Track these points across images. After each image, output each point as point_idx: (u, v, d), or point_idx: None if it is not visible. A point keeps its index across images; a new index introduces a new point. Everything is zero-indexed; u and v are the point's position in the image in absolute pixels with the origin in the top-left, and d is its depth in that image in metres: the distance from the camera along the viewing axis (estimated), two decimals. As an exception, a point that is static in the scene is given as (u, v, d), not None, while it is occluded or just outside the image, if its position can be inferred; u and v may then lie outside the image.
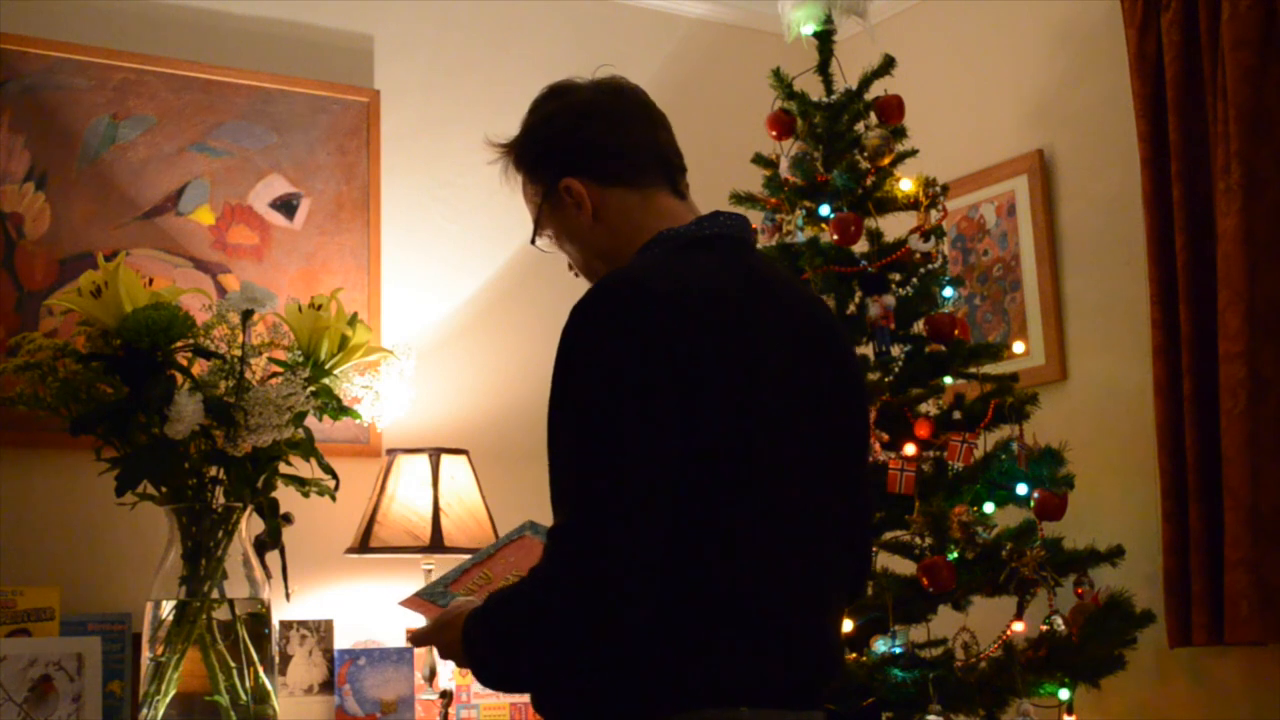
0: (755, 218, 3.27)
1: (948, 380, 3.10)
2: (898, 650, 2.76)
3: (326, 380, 2.63)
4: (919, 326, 3.09)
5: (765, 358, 1.64)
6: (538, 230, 1.87)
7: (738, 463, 1.59)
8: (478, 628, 1.66)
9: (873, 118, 3.22)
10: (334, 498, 2.67)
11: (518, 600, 1.62)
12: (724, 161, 3.43)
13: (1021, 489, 2.97)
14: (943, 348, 3.07)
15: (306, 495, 2.64)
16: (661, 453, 1.54)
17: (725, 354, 1.60)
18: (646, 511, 1.53)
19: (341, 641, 3.28)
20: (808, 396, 1.69)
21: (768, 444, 1.62)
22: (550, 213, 1.83)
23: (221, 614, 2.48)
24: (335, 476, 2.65)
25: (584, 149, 1.81)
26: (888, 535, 2.99)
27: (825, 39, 3.30)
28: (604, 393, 1.56)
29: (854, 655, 2.83)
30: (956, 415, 3.02)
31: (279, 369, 2.58)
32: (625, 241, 1.78)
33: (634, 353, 1.56)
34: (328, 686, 3.21)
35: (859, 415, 1.83)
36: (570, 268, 1.91)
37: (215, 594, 2.48)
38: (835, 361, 1.78)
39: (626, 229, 1.79)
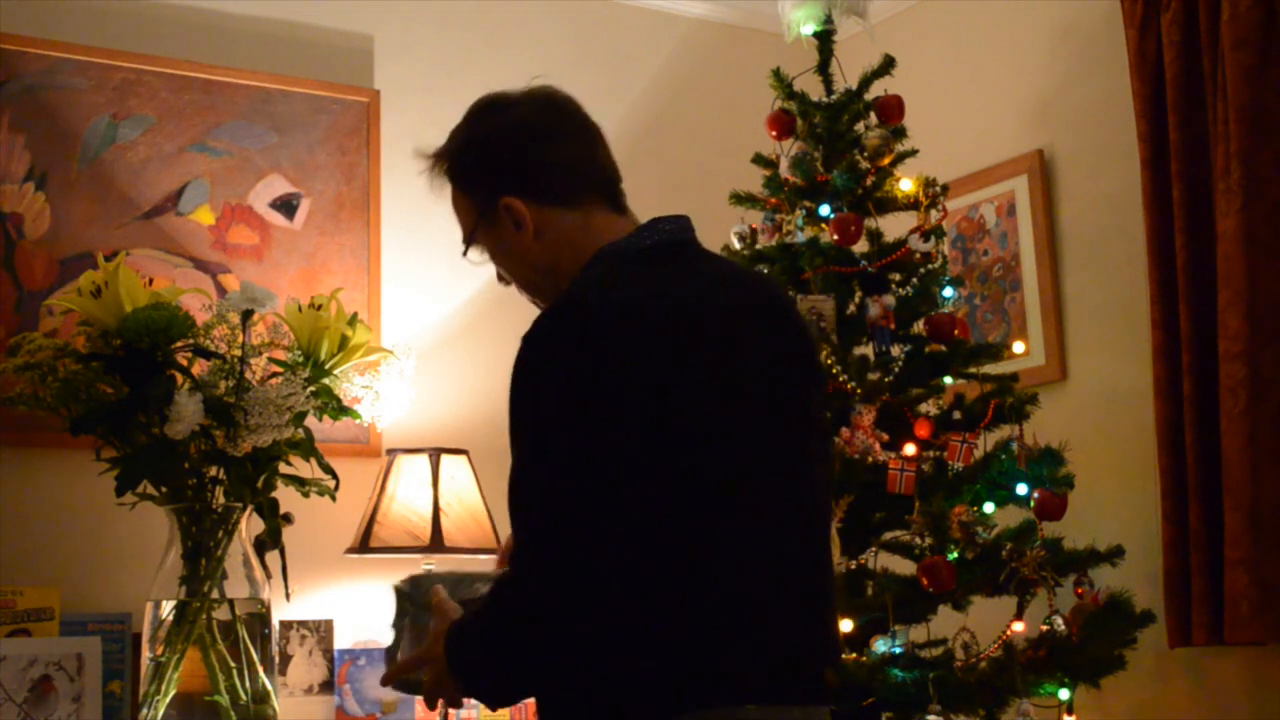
0: (755, 218, 3.28)
1: (948, 380, 3.09)
2: (898, 650, 2.76)
3: (326, 380, 2.63)
4: (919, 326, 3.09)
5: (722, 357, 1.66)
6: (470, 243, 1.87)
7: (711, 464, 1.60)
8: (456, 640, 1.68)
9: (873, 118, 3.22)
10: (334, 498, 2.67)
11: (481, 618, 1.65)
12: (724, 161, 3.42)
13: (1021, 489, 2.96)
14: (943, 348, 3.06)
15: (306, 495, 2.64)
16: (621, 470, 1.56)
17: (682, 360, 1.62)
18: (605, 531, 1.55)
19: (341, 641, 3.28)
20: (770, 385, 1.71)
21: (740, 441, 1.64)
22: (487, 229, 1.83)
23: (221, 614, 2.48)
24: (335, 476, 2.65)
25: (524, 170, 1.81)
26: (888, 535, 2.99)
27: (825, 39, 3.29)
28: (566, 415, 1.58)
29: (854, 655, 2.83)
30: (956, 415, 3.01)
31: (279, 369, 2.58)
32: (566, 259, 1.79)
33: (590, 374, 1.57)
34: (328, 686, 3.21)
35: (816, 391, 1.83)
36: (500, 279, 1.90)
37: (215, 594, 2.48)
38: (789, 342, 1.80)
39: (566, 248, 1.79)
